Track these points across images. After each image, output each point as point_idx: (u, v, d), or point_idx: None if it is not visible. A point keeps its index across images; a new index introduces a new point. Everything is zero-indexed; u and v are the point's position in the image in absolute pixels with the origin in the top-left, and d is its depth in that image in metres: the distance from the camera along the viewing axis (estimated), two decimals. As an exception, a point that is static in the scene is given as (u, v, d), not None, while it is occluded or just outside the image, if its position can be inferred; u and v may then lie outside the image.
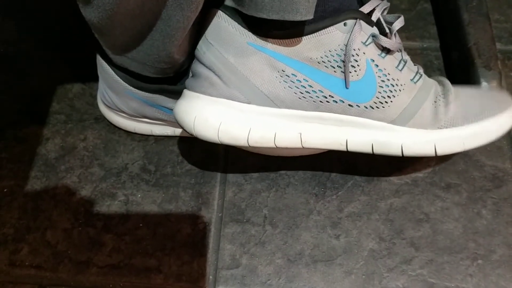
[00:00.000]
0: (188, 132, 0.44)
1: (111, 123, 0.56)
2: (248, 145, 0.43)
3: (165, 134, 0.55)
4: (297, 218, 0.50)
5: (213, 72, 0.43)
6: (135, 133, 0.56)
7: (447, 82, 0.47)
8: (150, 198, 0.51)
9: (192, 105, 0.43)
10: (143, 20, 0.41)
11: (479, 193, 0.51)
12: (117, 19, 0.40)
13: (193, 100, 0.44)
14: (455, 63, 0.58)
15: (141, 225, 0.50)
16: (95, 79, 0.54)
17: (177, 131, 0.55)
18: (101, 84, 0.53)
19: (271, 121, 0.43)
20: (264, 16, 0.38)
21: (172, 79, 0.48)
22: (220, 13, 0.42)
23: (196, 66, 0.45)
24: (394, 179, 0.52)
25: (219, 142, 0.43)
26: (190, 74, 0.46)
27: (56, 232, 0.50)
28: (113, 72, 0.50)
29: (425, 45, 0.61)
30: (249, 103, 0.43)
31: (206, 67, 0.43)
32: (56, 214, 0.51)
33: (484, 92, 0.48)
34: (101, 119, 0.57)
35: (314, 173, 0.52)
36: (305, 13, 0.38)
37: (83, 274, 0.48)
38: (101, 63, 0.51)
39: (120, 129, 0.56)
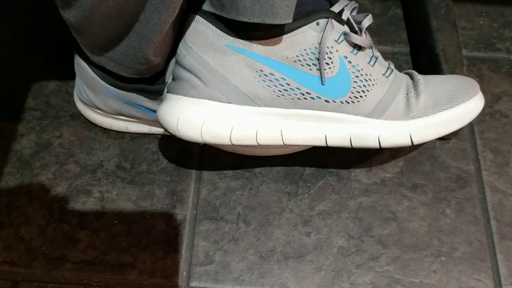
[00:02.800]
0: (171, 134, 0.45)
1: (87, 120, 0.56)
2: (231, 144, 0.45)
3: (141, 131, 0.56)
4: (270, 216, 0.51)
5: (194, 74, 0.44)
6: (111, 131, 0.56)
7: (415, 73, 0.49)
8: (125, 195, 0.52)
9: (174, 107, 0.44)
10: (121, 21, 0.41)
11: (444, 193, 0.53)
12: (95, 20, 0.41)
13: (176, 102, 0.45)
14: (423, 68, 0.60)
15: (116, 221, 0.51)
16: (72, 75, 0.54)
17: (153, 129, 0.56)
18: (78, 81, 0.54)
19: (252, 119, 0.45)
20: (246, 19, 0.40)
21: (149, 79, 0.49)
22: (198, 17, 0.44)
23: (177, 70, 0.46)
24: (363, 179, 0.54)
25: (202, 142, 0.45)
26: (171, 78, 0.47)
27: (31, 228, 0.50)
28: (91, 70, 0.50)
29: (395, 50, 0.64)
30: (229, 102, 0.44)
31: (187, 70, 0.44)
32: (31, 210, 0.51)
33: (452, 79, 0.50)
34: (77, 116, 0.57)
35: (287, 172, 0.54)
36: (285, 17, 0.40)
37: (58, 270, 0.48)
38: (78, 60, 0.51)
39: (96, 126, 0.56)
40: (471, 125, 0.57)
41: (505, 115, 0.58)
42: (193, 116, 0.44)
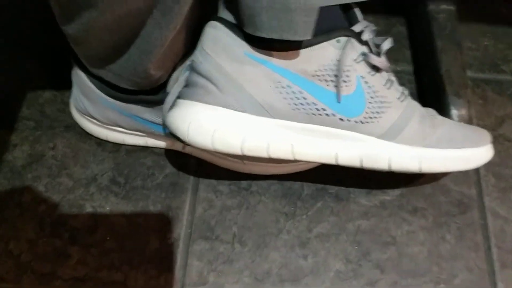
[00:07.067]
0: (180, 139, 0.44)
1: (82, 131, 0.55)
2: (241, 154, 0.44)
3: (137, 144, 0.55)
4: (267, 236, 0.50)
5: (210, 81, 0.43)
6: (106, 143, 0.55)
7: (431, 108, 0.50)
8: (118, 210, 0.51)
9: (187, 112, 0.43)
10: (121, 35, 0.40)
11: (444, 217, 0.52)
12: (94, 33, 0.40)
13: (188, 107, 0.43)
14: (427, 88, 0.59)
15: (108, 238, 0.49)
16: (68, 84, 0.53)
17: (150, 142, 0.54)
18: (75, 90, 0.53)
19: (265, 131, 0.44)
20: (263, 35, 0.39)
21: (149, 90, 0.48)
22: (217, 24, 0.43)
23: (192, 76, 0.44)
24: (363, 200, 0.52)
25: (212, 149, 0.43)
26: (184, 84, 0.46)
27: (20, 242, 0.49)
28: (88, 80, 0.49)
29: (399, 68, 0.63)
30: (244, 111, 0.43)
31: (203, 76, 0.43)
32: (21, 223, 0.50)
33: (466, 126, 0.50)
34: (72, 127, 0.56)
35: (285, 191, 0.53)
36: (303, 33, 0.39)
37: (47, 286, 0.47)
38: (75, 69, 0.50)
39: (91, 138, 0.55)
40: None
41: (509, 139, 0.57)
42: (205, 122, 0.43)
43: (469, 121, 0.55)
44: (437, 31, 0.59)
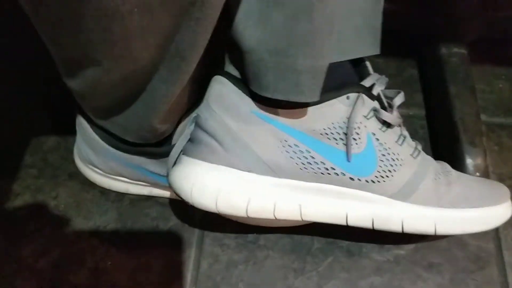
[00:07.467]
0: (184, 200, 0.42)
1: (85, 180, 0.54)
2: (247, 216, 0.42)
3: (141, 193, 0.53)
4: (274, 294, 0.48)
5: (215, 139, 0.41)
6: (110, 192, 0.53)
7: (444, 162, 0.48)
8: (120, 266, 0.49)
9: (190, 172, 0.42)
10: (127, 90, 0.39)
11: (462, 274, 0.49)
12: (99, 89, 0.39)
13: (192, 166, 0.42)
14: (440, 135, 0.57)
15: (109, 296, 0.47)
16: (72, 131, 0.52)
17: (154, 192, 0.53)
18: (78, 139, 0.51)
19: (271, 191, 0.42)
20: (269, 95, 0.38)
21: (154, 142, 0.47)
22: (224, 80, 0.41)
23: (197, 132, 0.43)
24: (375, 255, 0.50)
25: (216, 212, 0.42)
26: (188, 139, 0.45)
27: (18, 301, 0.47)
28: (92, 131, 0.48)
29: (410, 113, 0.61)
30: (249, 171, 0.41)
31: (208, 133, 0.42)
32: (19, 280, 0.48)
33: (483, 180, 0.48)
34: (75, 175, 0.54)
35: (294, 245, 0.50)
36: (310, 95, 0.38)
37: None
38: (79, 120, 0.49)
39: (94, 187, 0.54)
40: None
41: (527, 189, 0.55)
42: (209, 183, 0.41)
43: (484, 169, 0.53)
44: (449, 75, 0.58)
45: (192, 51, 0.35)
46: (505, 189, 0.47)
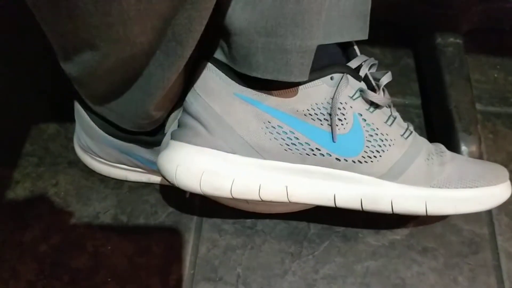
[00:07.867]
0: (169, 182, 0.43)
1: (85, 168, 0.54)
2: (231, 197, 0.42)
3: (140, 180, 0.54)
4: (272, 278, 0.48)
5: (199, 122, 0.42)
6: (109, 180, 0.54)
7: (440, 144, 0.48)
8: (120, 250, 0.50)
9: (175, 154, 0.42)
10: (124, 75, 0.40)
11: (456, 258, 0.50)
12: (97, 74, 0.39)
13: (177, 149, 0.42)
14: (435, 123, 0.58)
15: (109, 279, 0.48)
16: (72, 119, 0.52)
17: (152, 179, 0.54)
18: (77, 127, 0.52)
19: (256, 172, 0.42)
20: (258, 75, 0.38)
21: (149, 131, 0.47)
22: (208, 64, 0.42)
23: (183, 117, 0.44)
24: (371, 240, 0.51)
25: (201, 193, 0.42)
26: (177, 125, 0.45)
27: (19, 284, 0.48)
28: (89, 118, 0.49)
29: (407, 102, 0.62)
30: (234, 153, 0.42)
31: (193, 117, 0.42)
32: (21, 264, 0.49)
33: (480, 162, 0.48)
34: (75, 163, 0.55)
35: (291, 230, 0.51)
36: (299, 75, 0.38)
37: (45, 330, 0.46)
38: (77, 107, 0.50)
39: (93, 174, 0.54)
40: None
41: (521, 176, 0.56)
42: (193, 165, 0.42)
43: (479, 157, 0.54)
44: (445, 65, 0.59)
45: (188, 35, 0.36)
46: (504, 171, 0.47)
